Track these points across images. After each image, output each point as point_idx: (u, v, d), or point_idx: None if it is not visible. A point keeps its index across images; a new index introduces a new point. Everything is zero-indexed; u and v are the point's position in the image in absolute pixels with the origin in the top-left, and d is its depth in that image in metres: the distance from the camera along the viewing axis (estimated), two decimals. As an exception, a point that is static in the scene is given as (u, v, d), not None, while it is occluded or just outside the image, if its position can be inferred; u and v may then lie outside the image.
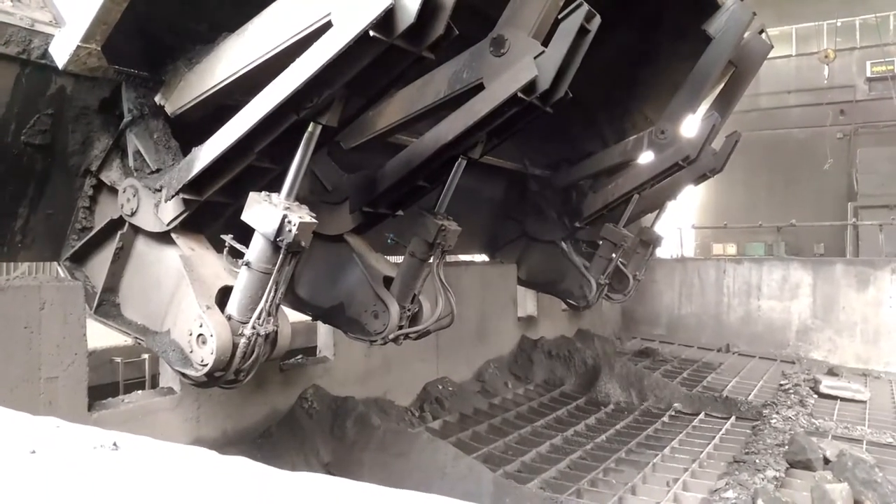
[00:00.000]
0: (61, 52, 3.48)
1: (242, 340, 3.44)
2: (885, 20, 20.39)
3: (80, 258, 4.34)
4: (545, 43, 4.30)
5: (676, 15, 7.36)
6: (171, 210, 3.71)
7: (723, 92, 8.35)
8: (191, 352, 3.50)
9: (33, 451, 1.34)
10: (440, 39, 3.21)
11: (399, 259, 5.20)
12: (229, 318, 3.47)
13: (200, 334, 3.43)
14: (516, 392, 8.64)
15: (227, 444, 5.26)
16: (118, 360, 7.36)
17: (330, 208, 4.97)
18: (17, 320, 3.95)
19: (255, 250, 3.44)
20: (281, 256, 3.40)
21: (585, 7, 4.42)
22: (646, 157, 8.18)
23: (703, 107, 8.18)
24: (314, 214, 3.49)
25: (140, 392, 5.22)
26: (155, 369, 6.71)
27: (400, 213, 5.13)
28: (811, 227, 17.28)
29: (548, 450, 6.69)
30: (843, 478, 5.64)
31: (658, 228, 10.13)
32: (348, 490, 1.23)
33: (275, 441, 5.52)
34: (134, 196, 3.87)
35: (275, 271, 3.43)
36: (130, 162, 3.92)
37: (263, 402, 5.70)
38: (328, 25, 3.02)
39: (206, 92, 3.60)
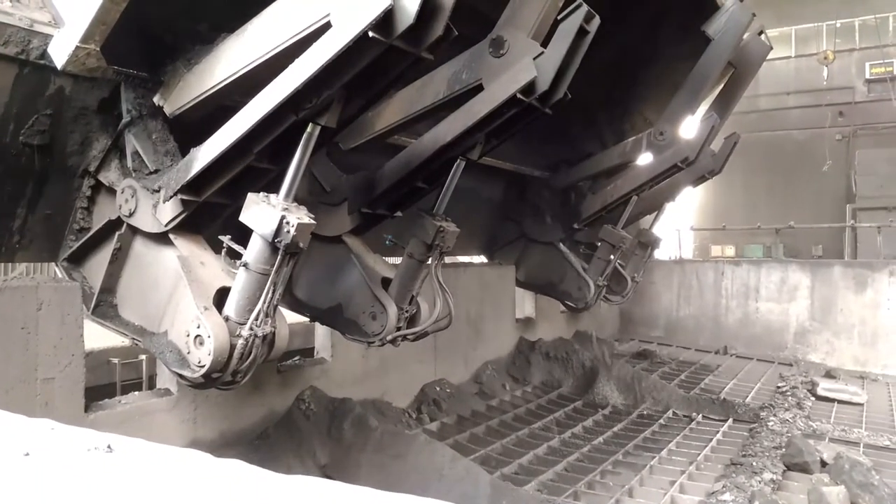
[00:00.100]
0: (60, 53, 3.48)
1: (240, 342, 3.43)
2: (884, 21, 20.41)
3: (77, 259, 4.34)
4: (544, 44, 4.30)
5: (676, 16, 7.36)
6: (169, 211, 3.71)
7: (722, 93, 8.36)
8: (188, 353, 3.49)
9: (27, 454, 1.33)
10: (439, 40, 3.21)
11: (397, 260, 5.19)
12: (227, 319, 3.47)
13: (198, 335, 3.42)
14: (514, 394, 8.63)
15: (224, 445, 5.26)
16: (115, 361, 7.35)
17: (328, 209, 4.96)
18: (15, 321, 3.94)
19: (253, 251, 3.43)
20: (279, 257, 3.40)
21: (585, 8, 4.42)
22: (645, 159, 8.19)
23: (702, 108, 8.19)
24: (312, 215, 3.48)
25: (137, 393, 5.22)
26: (152, 370, 6.71)
27: (398, 214, 5.13)
28: (809, 229, 17.28)
29: (545, 452, 6.69)
30: (840, 480, 5.64)
31: (656, 230, 10.14)
32: (342, 493, 1.23)
33: (272, 442, 5.52)
34: (132, 197, 3.87)
35: (273, 272, 3.43)
36: (129, 162, 3.92)
37: (261, 403, 5.70)
38: (327, 26, 3.01)
39: (204, 92, 3.60)
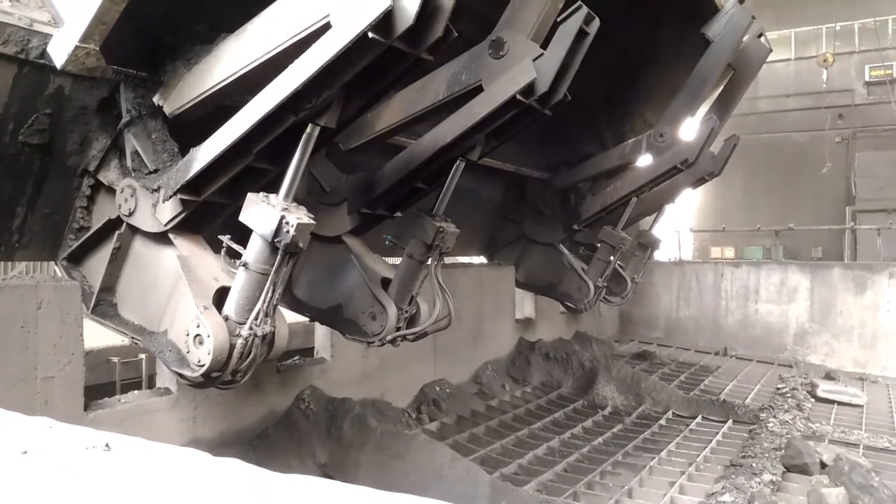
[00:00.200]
0: (60, 52, 3.48)
1: (239, 341, 3.44)
2: (883, 24, 20.42)
3: (77, 258, 4.34)
4: (544, 45, 4.31)
5: (675, 18, 7.36)
6: (168, 210, 3.71)
7: (721, 95, 8.36)
8: (188, 352, 3.49)
9: (25, 452, 1.33)
10: (439, 41, 3.21)
11: (397, 261, 5.19)
12: (226, 318, 3.47)
13: (197, 335, 3.42)
14: (514, 394, 8.64)
15: (224, 444, 5.26)
16: (115, 360, 7.35)
17: (328, 209, 4.97)
18: (14, 320, 3.95)
19: (253, 251, 3.43)
20: (279, 257, 3.40)
21: (584, 10, 4.42)
22: (644, 161, 8.19)
23: (702, 110, 8.19)
24: (312, 215, 3.49)
25: (137, 392, 5.21)
26: (152, 369, 6.71)
27: (398, 214, 5.13)
28: (809, 231, 17.30)
29: (545, 452, 6.69)
30: (840, 482, 5.64)
31: (656, 231, 10.15)
32: (341, 493, 1.23)
33: (271, 442, 5.52)
34: (132, 196, 3.87)
35: (272, 272, 3.43)
36: (128, 162, 3.92)
37: (260, 402, 5.70)
38: (327, 27, 3.02)
39: (204, 92, 3.60)
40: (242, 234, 3.49)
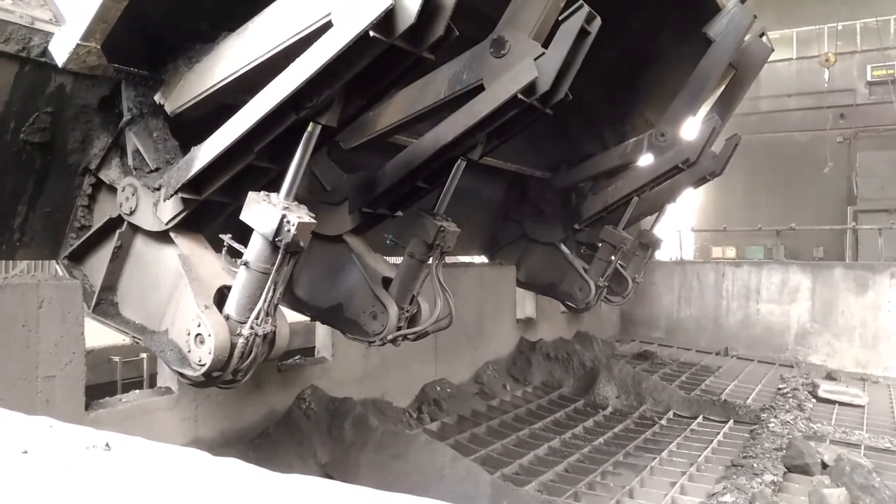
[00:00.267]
0: (61, 50, 3.48)
1: (240, 340, 3.43)
2: (885, 24, 20.40)
3: (78, 257, 4.34)
4: (546, 44, 4.30)
5: (677, 17, 7.36)
6: (169, 209, 3.71)
7: (723, 95, 8.35)
8: (189, 351, 3.49)
9: (25, 451, 1.33)
10: (440, 40, 3.21)
11: (398, 260, 5.19)
12: (227, 317, 3.47)
13: (198, 334, 3.42)
14: (514, 394, 8.63)
15: (225, 444, 5.26)
16: (116, 359, 7.35)
17: (329, 208, 4.96)
18: (15, 318, 3.95)
19: (254, 250, 3.43)
20: (279, 256, 3.40)
21: (586, 9, 4.42)
22: (645, 160, 8.18)
23: (704, 109, 8.18)
24: (313, 214, 3.48)
25: (138, 391, 5.21)
26: (153, 369, 6.70)
27: (399, 213, 5.13)
28: (811, 231, 17.27)
29: (545, 452, 6.69)
30: (841, 482, 5.63)
31: (657, 231, 10.14)
32: (341, 492, 1.22)
33: (272, 441, 5.52)
34: (133, 195, 3.87)
35: (273, 271, 3.43)
36: (129, 161, 3.92)
37: (261, 402, 5.70)
38: (328, 25, 3.01)
39: (205, 91, 3.60)
40: (243, 233, 3.49)
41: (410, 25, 2.96)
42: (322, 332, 6.48)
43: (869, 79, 20.44)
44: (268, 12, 3.28)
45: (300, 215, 3.37)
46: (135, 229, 4.00)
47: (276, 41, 3.22)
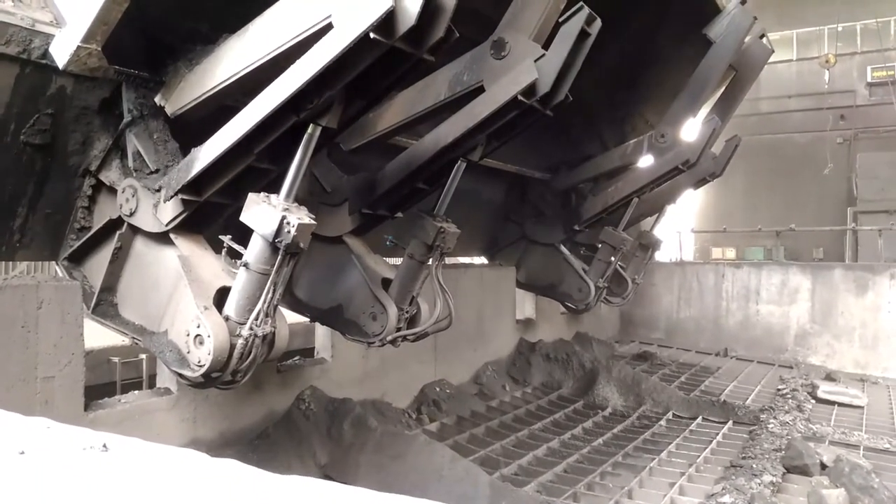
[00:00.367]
0: (62, 52, 3.48)
1: (240, 341, 3.44)
2: (886, 25, 20.39)
3: (78, 258, 4.34)
4: (546, 46, 4.30)
5: (677, 19, 7.36)
6: (169, 210, 3.71)
7: (723, 96, 8.36)
8: (188, 352, 3.49)
9: (22, 452, 1.33)
10: (441, 42, 3.21)
11: (398, 261, 5.19)
12: (227, 318, 3.47)
13: (198, 335, 3.43)
14: (514, 395, 8.63)
15: (224, 444, 5.26)
16: (115, 360, 7.35)
17: (329, 210, 4.97)
18: (15, 319, 3.95)
19: (254, 251, 3.43)
20: (279, 257, 3.40)
21: (586, 10, 4.42)
22: (646, 161, 8.19)
23: (704, 111, 8.19)
24: (313, 216, 3.49)
25: (137, 392, 5.22)
26: (152, 370, 6.70)
27: (399, 215, 5.13)
28: (810, 232, 17.28)
29: (545, 453, 6.69)
30: (840, 483, 5.64)
31: (657, 232, 10.14)
32: (339, 493, 1.23)
33: (271, 442, 5.52)
34: (133, 196, 3.87)
35: (273, 272, 3.43)
36: (130, 162, 3.92)
37: (260, 403, 5.70)
38: (329, 27, 3.02)
39: (206, 93, 3.60)
40: (243, 235, 3.50)
41: (411, 27, 2.96)
42: (321, 332, 6.48)
43: (869, 80, 20.44)
44: (268, 14, 3.28)
45: (300, 216, 3.38)
46: (135, 230, 4.00)
47: (276, 43, 3.22)
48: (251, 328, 3.44)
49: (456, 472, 5.36)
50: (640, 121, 9.24)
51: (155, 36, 3.76)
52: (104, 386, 6.71)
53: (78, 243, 4.27)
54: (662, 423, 7.99)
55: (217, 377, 3.54)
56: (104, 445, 1.39)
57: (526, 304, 10.25)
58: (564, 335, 10.67)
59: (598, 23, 4.49)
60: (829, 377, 10.85)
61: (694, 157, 7.88)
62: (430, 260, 4.91)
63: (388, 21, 2.93)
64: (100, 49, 3.47)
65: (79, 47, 3.42)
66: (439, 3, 3.08)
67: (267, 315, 3.50)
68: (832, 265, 13.08)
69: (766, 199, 20.19)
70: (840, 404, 9.22)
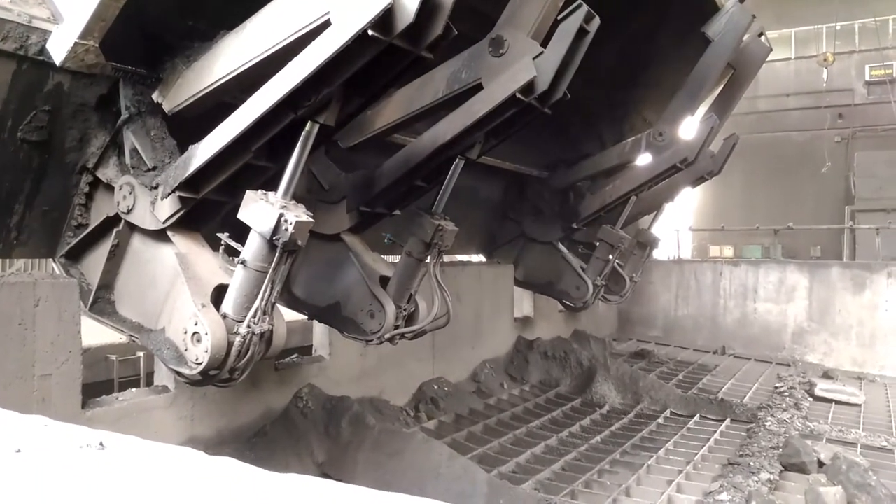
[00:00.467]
0: (59, 49, 3.47)
1: (237, 339, 3.43)
2: (884, 24, 20.41)
3: (75, 255, 4.33)
4: (544, 44, 4.30)
5: (676, 17, 7.36)
6: (167, 208, 3.70)
7: (721, 94, 8.36)
8: (185, 350, 3.49)
9: (18, 450, 1.32)
10: (439, 39, 3.21)
11: (396, 259, 5.19)
12: (224, 316, 3.46)
13: (195, 332, 3.42)
14: (512, 393, 8.63)
15: (222, 442, 5.26)
16: (113, 357, 7.34)
17: (327, 207, 4.96)
18: (12, 317, 3.94)
19: (251, 249, 3.43)
20: (277, 255, 3.40)
21: (585, 8, 4.42)
22: (644, 159, 8.19)
23: (702, 109, 8.19)
24: (311, 213, 3.48)
25: (134, 390, 5.20)
26: (150, 367, 6.69)
27: (397, 212, 5.13)
28: (808, 231, 17.30)
29: (542, 451, 6.69)
30: (837, 481, 5.65)
31: (655, 230, 10.15)
32: (336, 492, 1.22)
33: (269, 440, 5.51)
34: (130, 193, 3.86)
35: (270, 270, 3.42)
36: (127, 159, 3.91)
37: (258, 401, 5.69)
38: (327, 24, 3.01)
39: (203, 90, 3.59)
40: (241, 232, 3.49)
41: (409, 24, 2.96)
42: (319, 330, 6.48)
43: (867, 79, 20.46)
44: (266, 11, 3.28)
45: (298, 214, 3.37)
46: (132, 228, 3.99)
47: (274, 40, 3.22)
48: (249, 326, 3.43)
49: (454, 469, 5.36)
50: (639, 119, 9.24)
51: (152, 33, 3.75)
52: (101, 384, 6.71)
53: (75, 240, 4.26)
54: (660, 420, 7.99)
55: (215, 375, 3.53)
56: (101, 444, 1.38)
57: (524, 302, 10.25)
58: (562, 333, 10.67)
59: (596, 20, 4.49)
60: (827, 375, 10.86)
61: (692, 155, 7.89)
62: (429, 258, 4.91)
63: (386, 18, 2.92)
64: (97, 46, 3.46)
65: (76, 44, 3.41)
66: (437, 1, 3.07)
67: (265, 313, 3.49)
68: (830, 263, 13.09)
69: (764, 198, 20.20)
70: (837, 402, 9.24)
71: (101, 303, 4.17)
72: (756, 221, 15.73)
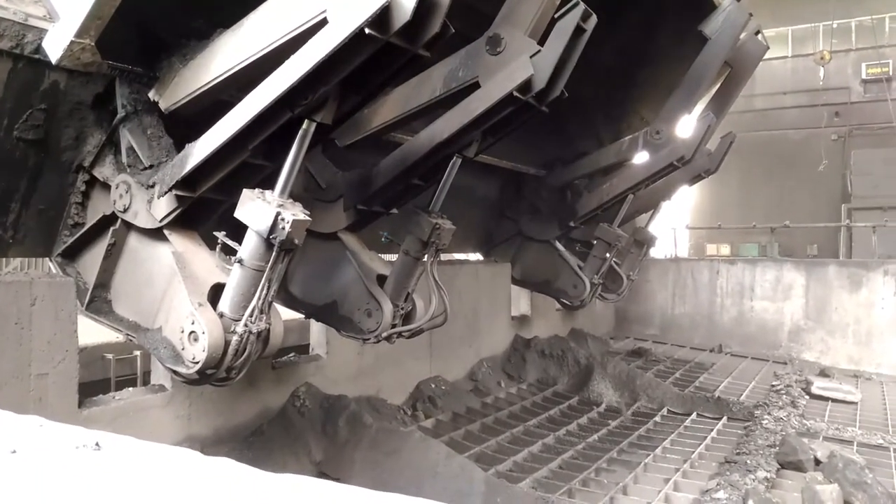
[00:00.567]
0: (55, 47, 3.45)
1: (234, 338, 3.43)
2: (880, 22, 20.43)
3: (72, 254, 4.32)
4: (541, 42, 4.30)
5: (673, 15, 7.36)
6: (163, 206, 3.70)
7: (718, 93, 8.37)
8: (182, 349, 3.48)
9: (14, 451, 1.32)
10: (436, 37, 3.20)
11: (393, 257, 5.19)
12: (221, 315, 3.46)
13: (192, 331, 3.42)
14: (509, 391, 8.64)
15: (219, 441, 5.25)
16: (110, 356, 7.32)
17: (324, 206, 4.96)
18: (8, 316, 3.93)
19: (248, 248, 3.42)
20: (274, 254, 3.39)
21: (582, 6, 4.42)
22: (641, 158, 8.20)
23: (699, 107, 8.19)
24: (308, 212, 3.48)
25: (131, 389, 5.19)
26: (147, 366, 6.68)
27: (394, 211, 5.12)
28: (805, 229, 17.31)
29: (540, 449, 6.70)
30: (834, 479, 5.66)
31: (652, 228, 10.16)
32: (332, 492, 1.22)
33: (266, 439, 5.51)
34: (126, 192, 3.85)
35: (267, 269, 3.42)
36: (123, 158, 3.90)
37: (255, 400, 5.69)
38: (324, 22, 3.00)
39: (200, 88, 3.58)
40: (238, 231, 3.48)
41: (406, 22, 2.95)
42: (316, 329, 6.47)
43: (864, 77, 20.48)
44: (263, 9, 3.27)
45: (295, 213, 3.37)
46: (129, 227, 3.98)
47: (271, 38, 3.21)
48: (246, 325, 3.43)
49: (451, 468, 5.36)
50: (636, 117, 9.24)
51: (149, 31, 3.74)
52: (98, 383, 6.70)
53: (72, 239, 4.25)
54: (657, 419, 8.00)
55: (212, 374, 3.53)
56: (97, 444, 1.38)
57: (521, 301, 10.25)
58: (559, 331, 10.68)
59: (593, 19, 4.49)
60: (823, 373, 10.88)
61: (689, 153, 7.89)
62: (426, 256, 4.90)
63: (383, 16, 2.92)
64: (93, 44, 3.44)
65: (72, 42, 3.39)
66: (434, -1, 3.07)
67: (261, 312, 3.49)
68: (826, 261, 13.11)
69: (761, 196, 20.22)
70: (834, 400, 9.25)
71: (98, 302, 4.16)
72: (753, 220, 15.76)
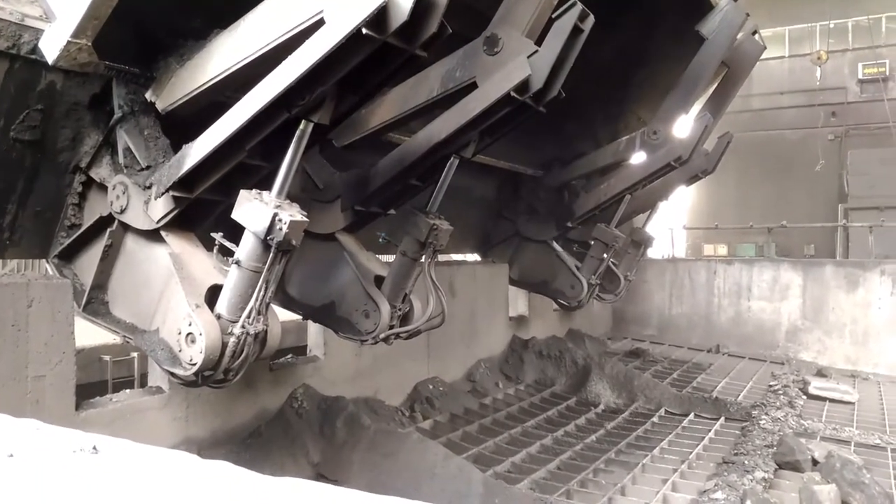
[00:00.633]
0: (51, 48, 3.44)
1: (232, 339, 3.42)
2: (877, 22, 20.50)
3: (68, 255, 4.31)
4: (539, 42, 4.30)
5: (670, 15, 7.36)
6: (160, 207, 3.68)
7: (715, 93, 8.38)
8: (179, 351, 3.47)
9: (11, 455, 1.31)
10: (433, 37, 3.20)
11: (390, 258, 5.18)
12: (219, 316, 3.45)
13: (189, 333, 3.41)
14: (507, 392, 8.63)
15: (216, 443, 5.24)
16: (107, 358, 7.32)
17: (321, 207, 4.95)
18: (5, 318, 3.91)
19: (246, 249, 3.41)
20: (271, 255, 3.38)
21: (579, 6, 4.42)
22: (638, 158, 8.19)
23: (696, 107, 8.20)
24: (305, 213, 3.47)
25: (128, 391, 5.17)
26: (144, 368, 6.67)
27: (392, 211, 5.12)
28: (802, 229, 17.35)
29: (538, 450, 6.69)
30: (832, 479, 5.66)
31: (649, 229, 10.17)
32: (330, 495, 1.22)
33: (264, 441, 5.50)
34: (123, 193, 3.84)
35: (265, 270, 3.41)
36: (120, 159, 3.89)
37: (253, 401, 5.67)
38: (320, 23, 3.00)
39: (197, 89, 3.57)
40: (235, 232, 3.47)
41: (403, 22, 2.95)
42: (314, 330, 6.46)
43: (860, 77, 20.56)
44: (260, 9, 3.26)
45: (292, 213, 3.36)
46: (125, 228, 3.97)
47: (268, 38, 3.20)
48: (243, 326, 3.42)
49: (449, 469, 5.35)
50: (633, 118, 9.25)
51: (146, 31, 3.73)
52: (95, 385, 6.69)
53: (68, 241, 4.24)
54: (655, 419, 8.00)
55: (209, 376, 3.52)
56: (94, 447, 1.37)
57: (519, 301, 10.25)
58: (557, 332, 10.68)
59: (591, 19, 4.49)
60: (821, 373, 10.89)
61: (686, 153, 7.89)
62: (423, 257, 4.90)
63: (380, 16, 2.91)
64: (90, 44, 3.43)
65: (69, 42, 3.38)
66: (432, -1, 3.07)
67: (259, 313, 3.48)
68: (823, 261, 13.14)
69: (758, 196, 20.27)
70: (831, 400, 9.26)
71: (95, 303, 4.15)
72: (750, 220, 15.78)
